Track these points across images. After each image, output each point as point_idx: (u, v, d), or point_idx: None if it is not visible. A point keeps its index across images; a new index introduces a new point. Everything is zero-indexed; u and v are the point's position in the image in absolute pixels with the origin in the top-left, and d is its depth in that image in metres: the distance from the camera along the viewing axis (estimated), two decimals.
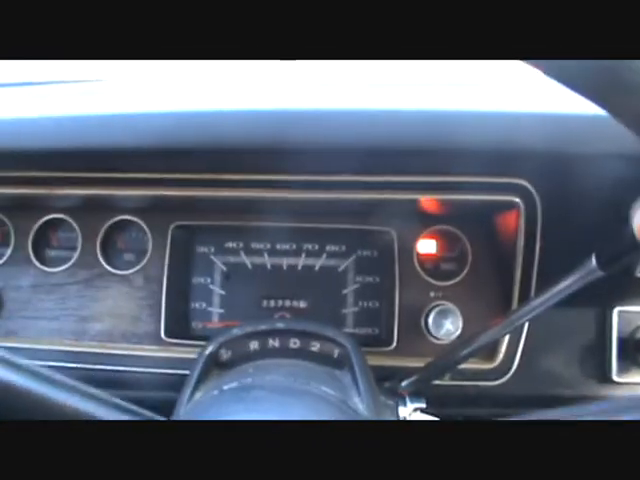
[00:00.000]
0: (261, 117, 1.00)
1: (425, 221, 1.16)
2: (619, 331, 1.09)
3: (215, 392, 0.75)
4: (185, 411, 0.76)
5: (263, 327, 0.88)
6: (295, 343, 0.88)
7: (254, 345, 0.88)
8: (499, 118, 1.00)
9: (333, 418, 0.65)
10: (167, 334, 1.14)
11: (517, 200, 1.03)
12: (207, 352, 0.87)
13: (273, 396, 0.69)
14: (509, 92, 1.13)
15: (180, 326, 1.17)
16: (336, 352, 0.88)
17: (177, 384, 0.84)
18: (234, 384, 0.75)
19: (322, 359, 0.87)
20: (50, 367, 1.08)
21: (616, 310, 1.09)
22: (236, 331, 0.88)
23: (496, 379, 1.08)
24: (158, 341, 1.14)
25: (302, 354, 0.87)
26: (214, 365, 0.87)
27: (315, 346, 0.88)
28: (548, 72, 0.52)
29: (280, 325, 0.89)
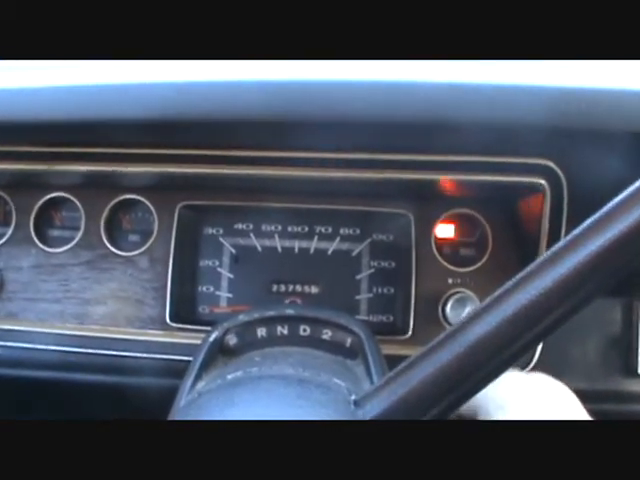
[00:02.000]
0: (272, 88, 0.94)
1: (444, 204, 1.11)
2: None
3: (219, 381, 0.71)
4: (186, 401, 0.72)
5: (271, 313, 0.84)
6: (305, 330, 0.84)
7: (262, 332, 0.83)
8: (523, 92, 0.94)
9: (340, 414, 0.61)
10: (172, 318, 1.10)
11: (542, 182, 0.98)
12: (211, 338, 0.82)
13: (279, 388, 0.65)
14: (534, 64, 1.08)
15: (186, 310, 1.13)
16: (348, 341, 0.83)
17: (182, 370, 0.80)
18: (239, 373, 0.71)
19: (333, 348, 0.83)
20: (52, 351, 1.08)
21: None
22: (242, 317, 0.84)
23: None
24: (163, 326, 1.10)
25: (312, 342, 0.83)
26: (219, 352, 0.83)
27: (326, 334, 0.84)
28: None
29: (289, 311, 0.84)
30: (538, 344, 0.59)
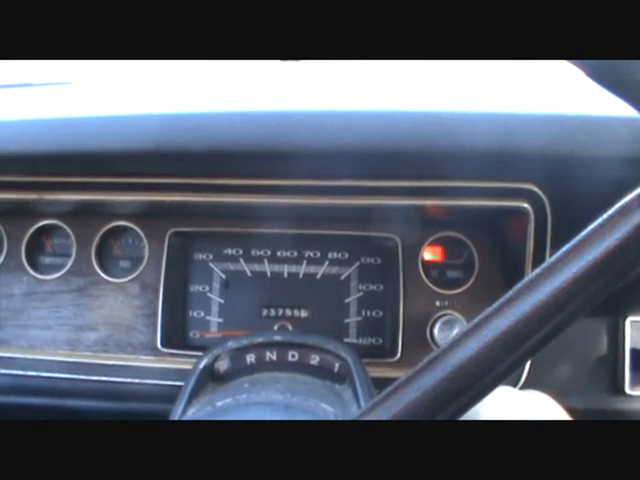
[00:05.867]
0: (259, 119, 0.97)
1: (430, 227, 1.12)
2: (632, 342, 1.07)
3: (208, 408, 0.72)
4: None
5: (260, 339, 0.85)
6: (293, 356, 0.85)
7: (251, 358, 0.84)
8: (505, 120, 0.96)
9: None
10: (164, 344, 1.10)
11: (526, 206, 0.99)
12: (201, 365, 0.84)
13: (266, 415, 0.66)
14: (516, 93, 1.10)
15: (177, 336, 1.13)
16: (336, 365, 0.84)
17: (173, 396, 0.81)
18: (228, 400, 0.72)
19: (321, 373, 0.84)
20: (44, 378, 1.09)
21: (629, 320, 1.07)
22: (232, 343, 0.85)
23: None
24: (154, 351, 1.10)
25: (301, 367, 0.84)
26: (209, 378, 0.84)
27: (314, 359, 0.85)
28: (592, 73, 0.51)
29: (278, 337, 0.86)
30: (519, 367, 0.60)
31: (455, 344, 0.53)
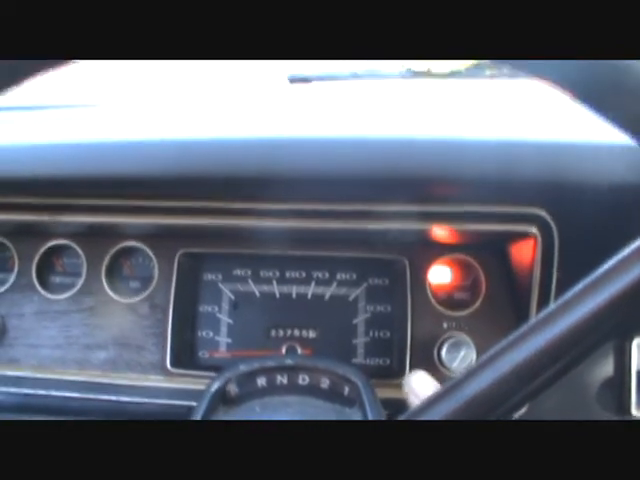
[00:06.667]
0: (267, 145, 0.98)
1: (438, 249, 1.13)
2: (638, 363, 1.07)
3: None
4: None
5: (271, 363, 0.86)
6: (304, 379, 0.85)
7: (262, 381, 0.85)
8: (513, 147, 0.97)
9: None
10: (173, 364, 1.11)
11: (534, 230, 1.00)
12: (213, 388, 0.84)
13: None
14: (524, 118, 1.11)
15: (186, 356, 1.14)
16: (346, 389, 0.85)
17: (182, 416, 0.82)
18: None
19: (332, 396, 0.84)
20: (53, 396, 1.10)
21: (635, 341, 1.07)
22: (243, 367, 0.86)
23: None
24: (163, 371, 1.11)
25: (311, 391, 0.85)
26: (220, 401, 0.85)
27: (325, 383, 0.86)
28: (537, 73, 0.51)
29: (289, 361, 0.86)
30: (534, 399, 0.61)
31: (469, 376, 0.54)
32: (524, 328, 0.54)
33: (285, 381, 0.85)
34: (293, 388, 0.85)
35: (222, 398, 0.85)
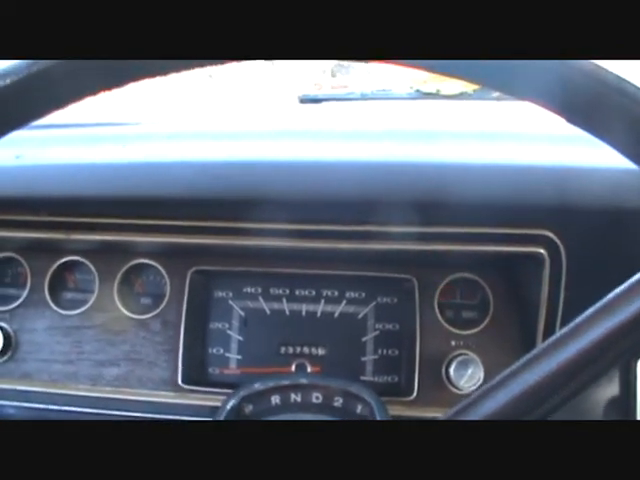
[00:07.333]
0: (276, 167, 1.01)
1: (446, 269, 1.14)
2: None
3: None
4: None
5: (285, 382, 0.87)
6: (317, 398, 0.87)
7: (276, 399, 0.87)
8: (521, 169, 1.00)
9: None
10: (184, 380, 1.12)
11: (542, 251, 1.02)
12: (229, 406, 0.86)
13: None
14: (530, 141, 1.13)
15: (197, 372, 1.15)
16: (359, 408, 0.87)
17: None
18: None
19: (344, 414, 0.86)
20: (65, 412, 1.11)
21: None
22: (258, 385, 0.87)
23: None
24: (175, 387, 1.12)
25: (324, 409, 0.86)
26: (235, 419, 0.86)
27: (338, 401, 0.87)
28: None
29: (303, 380, 0.88)
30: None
31: (483, 395, 0.55)
32: (537, 350, 0.55)
33: (299, 399, 0.87)
34: (307, 406, 0.86)
35: (237, 415, 0.86)
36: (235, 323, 1.17)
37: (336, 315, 1.16)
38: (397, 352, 1.15)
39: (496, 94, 1.41)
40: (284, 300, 1.17)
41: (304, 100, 1.48)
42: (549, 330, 1.04)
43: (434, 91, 1.44)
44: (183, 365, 1.12)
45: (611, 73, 0.50)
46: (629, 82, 0.51)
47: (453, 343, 1.12)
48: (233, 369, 1.16)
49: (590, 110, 0.53)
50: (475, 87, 1.40)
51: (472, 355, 1.10)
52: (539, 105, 0.55)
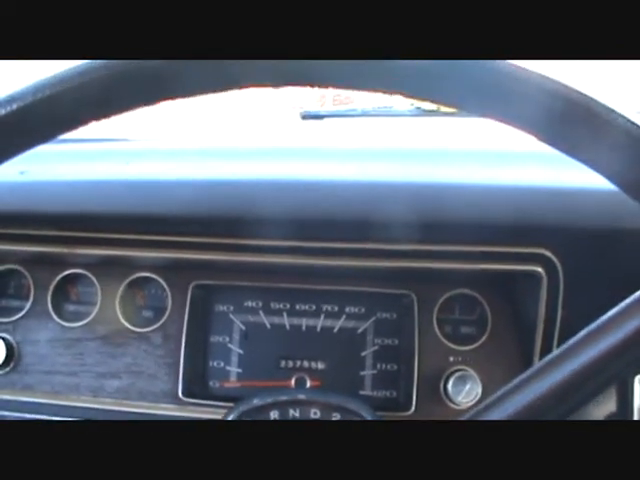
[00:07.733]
0: (277, 185, 1.02)
1: (445, 285, 1.15)
2: None
3: None
4: None
5: (284, 398, 0.88)
6: (316, 414, 0.88)
7: (274, 415, 0.88)
8: (519, 190, 1.01)
9: None
10: (185, 393, 1.13)
11: (539, 270, 1.03)
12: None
13: None
14: (528, 160, 1.14)
15: (197, 385, 1.16)
16: None
17: None
18: None
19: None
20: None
21: (638, 378, 1.08)
22: (257, 401, 0.88)
23: None
24: (175, 400, 1.13)
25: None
26: None
27: (336, 417, 0.88)
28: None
29: (301, 396, 0.89)
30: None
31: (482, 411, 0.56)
32: (532, 369, 0.56)
33: (297, 415, 0.88)
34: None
35: None
36: (236, 337, 1.18)
37: (336, 330, 1.17)
38: (396, 367, 1.16)
39: None
40: (284, 314, 1.18)
41: (306, 116, 1.50)
42: (546, 347, 1.05)
43: (435, 108, 1.45)
44: (184, 378, 1.13)
45: (579, 92, 0.51)
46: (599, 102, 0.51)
47: (451, 359, 1.13)
48: (233, 382, 1.17)
49: (558, 127, 0.54)
50: None
51: (470, 371, 1.11)
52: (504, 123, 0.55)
